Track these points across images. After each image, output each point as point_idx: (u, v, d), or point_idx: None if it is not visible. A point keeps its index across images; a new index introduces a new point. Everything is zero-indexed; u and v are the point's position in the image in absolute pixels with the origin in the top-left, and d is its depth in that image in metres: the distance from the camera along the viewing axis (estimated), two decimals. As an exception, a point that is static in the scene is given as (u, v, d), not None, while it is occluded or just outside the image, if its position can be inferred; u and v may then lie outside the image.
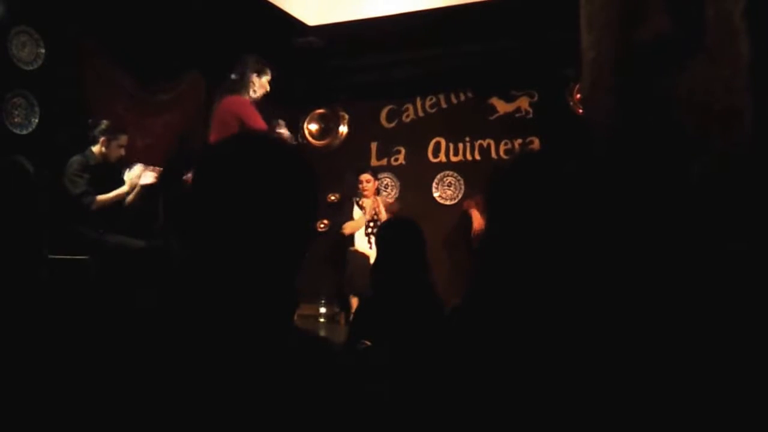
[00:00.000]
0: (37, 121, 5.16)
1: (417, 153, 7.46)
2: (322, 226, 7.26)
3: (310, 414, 1.00)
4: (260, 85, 4.53)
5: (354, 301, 6.06)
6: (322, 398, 1.02)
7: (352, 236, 6.50)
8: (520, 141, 7.05)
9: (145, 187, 5.07)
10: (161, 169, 5.18)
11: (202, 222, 1.09)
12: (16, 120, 5.05)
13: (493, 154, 7.15)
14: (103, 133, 4.95)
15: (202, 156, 1.13)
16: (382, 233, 3.19)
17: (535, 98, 7.06)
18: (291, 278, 1.13)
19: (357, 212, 6.58)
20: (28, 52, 5.14)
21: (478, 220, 6.48)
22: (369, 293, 3.22)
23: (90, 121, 5.06)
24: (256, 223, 1.06)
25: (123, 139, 5.02)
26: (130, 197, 5.04)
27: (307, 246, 1.14)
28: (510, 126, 7.09)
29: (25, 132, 5.10)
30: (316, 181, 1.15)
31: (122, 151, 5.03)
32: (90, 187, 4.83)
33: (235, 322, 1.03)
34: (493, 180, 1.31)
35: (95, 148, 4.95)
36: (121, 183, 5.04)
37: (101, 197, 4.88)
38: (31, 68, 5.15)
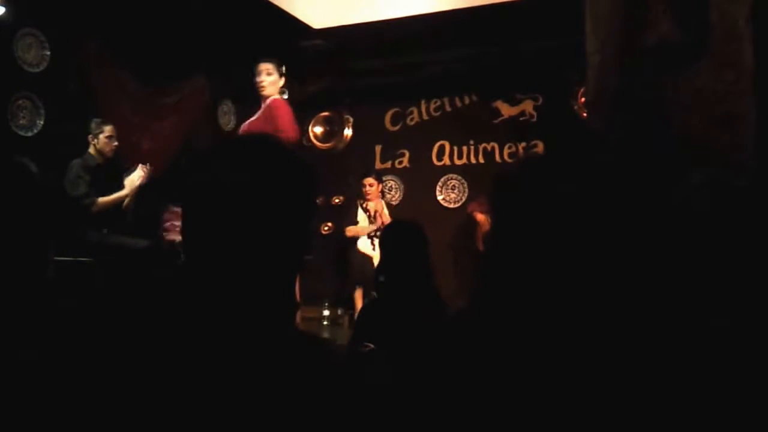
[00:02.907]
0: (42, 123, 5.18)
1: (421, 156, 7.46)
2: (326, 228, 7.27)
3: (311, 417, 1.00)
4: None
5: (357, 297, 6.07)
6: (324, 401, 1.02)
7: (354, 237, 6.50)
8: (524, 145, 7.05)
9: (138, 188, 5.07)
10: (150, 167, 5.17)
11: (200, 225, 1.09)
12: (21, 122, 5.07)
13: (497, 158, 7.15)
14: (89, 131, 4.96)
15: (199, 159, 1.13)
16: (385, 236, 3.19)
17: (540, 102, 7.05)
18: (290, 280, 1.13)
19: (361, 214, 6.58)
20: (34, 54, 5.16)
21: (483, 221, 6.48)
22: (372, 296, 3.22)
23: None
24: (253, 225, 1.06)
25: (108, 129, 4.99)
26: (127, 201, 5.06)
27: (307, 247, 1.14)
28: (514, 129, 7.08)
29: (30, 134, 5.12)
30: (314, 181, 1.15)
31: (114, 143, 5.01)
32: (91, 189, 4.84)
33: (236, 325, 1.03)
34: (497, 184, 1.31)
35: (90, 149, 4.97)
36: (120, 182, 5.05)
37: (102, 199, 4.88)
38: (36, 70, 5.17)
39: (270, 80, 4.66)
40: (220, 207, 1.07)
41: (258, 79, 4.66)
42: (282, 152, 1.13)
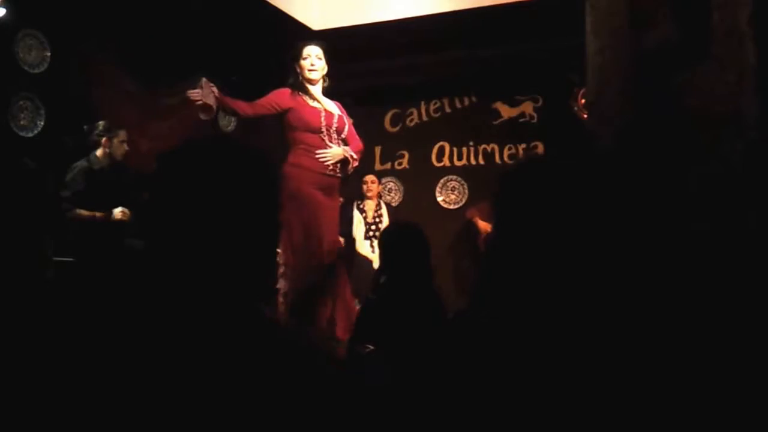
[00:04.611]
0: (42, 123, 5.18)
1: (421, 157, 7.45)
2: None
3: (311, 417, 0.99)
4: None
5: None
6: (323, 401, 1.02)
7: (354, 240, 6.49)
8: (524, 146, 7.05)
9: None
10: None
11: (170, 221, 1.11)
12: (21, 123, 5.07)
13: (497, 159, 7.15)
14: (102, 134, 4.94)
15: (167, 161, 1.18)
16: (385, 238, 3.19)
17: (540, 103, 7.05)
18: (263, 273, 1.15)
19: (356, 215, 6.56)
20: (35, 55, 5.17)
21: (484, 227, 6.46)
22: (372, 297, 3.22)
23: (86, 127, 5.04)
24: (222, 221, 1.09)
25: (122, 134, 5.00)
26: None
27: (275, 241, 1.18)
28: (514, 131, 7.09)
29: (30, 135, 5.12)
30: (276, 177, 1.21)
31: (125, 147, 5.01)
32: (75, 197, 4.79)
33: (213, 320, 1.04)
34: (498, 185, 1.31)
35: (98, 152, 4.95)
36: (129, 187, 5.02)
37: (79, 211, 4.83)
38: (37, 71, 5.18)
39: (321, 65, 4.49)
40: (190, 204, 1.11)
41: (307, 63, 4.44)
42: (245, 151, 1.17)
